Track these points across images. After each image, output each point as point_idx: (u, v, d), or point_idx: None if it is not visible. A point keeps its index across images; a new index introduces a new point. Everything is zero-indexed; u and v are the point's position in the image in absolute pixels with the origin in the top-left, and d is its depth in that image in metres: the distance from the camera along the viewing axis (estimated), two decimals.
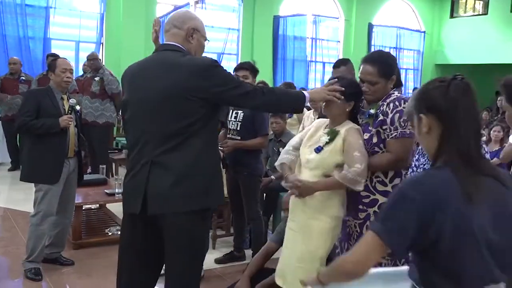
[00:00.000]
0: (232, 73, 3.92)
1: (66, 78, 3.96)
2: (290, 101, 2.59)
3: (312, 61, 12.57)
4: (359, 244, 1.52)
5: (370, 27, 13.34)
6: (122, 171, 7.36)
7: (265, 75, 10.45)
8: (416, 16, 14.42)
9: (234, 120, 4.22)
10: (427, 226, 1.45)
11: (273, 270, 3.20)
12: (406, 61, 14.13)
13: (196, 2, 10.99)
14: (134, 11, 9.95)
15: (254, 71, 4.25)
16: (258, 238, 4.27)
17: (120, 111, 2.55)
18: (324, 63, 12.83)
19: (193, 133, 2.33)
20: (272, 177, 5.14)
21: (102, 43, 9.88)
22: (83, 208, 5.05)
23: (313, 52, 12.61)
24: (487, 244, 1.48)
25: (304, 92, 2.63)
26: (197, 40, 2.53)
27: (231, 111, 4.30)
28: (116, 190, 4.87)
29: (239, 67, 4.28)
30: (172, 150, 2.33)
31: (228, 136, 4.27)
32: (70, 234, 4.60)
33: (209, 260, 4.46)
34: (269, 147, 5.42)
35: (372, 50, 13.43)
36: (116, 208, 5.35)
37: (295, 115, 6.20)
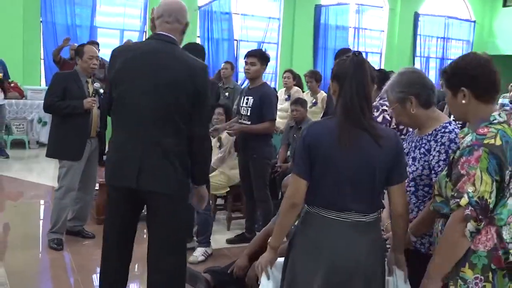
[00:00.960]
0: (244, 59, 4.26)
1: (92, 65, 4.30)
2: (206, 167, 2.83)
3: (354, 51, 12.46)
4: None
5: (416, 16, 13.06)
6: None
7: (305, 65, 10.52)
8: (466, 5, 13.97)
9: (245, 105, 4.38)
10: (309, 156, 2.04)
11: None
12: (454, 52, 13.72)
13: None
14: None
15: (263, 58, 4.36)
16: (267, 219, 4.42)
17: (109, 89, 2.71)
18: (367, 53, 12.67)
19: (184, 123, 2.55)
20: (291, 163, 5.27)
21: (145, 31, 10.24)
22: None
23: (356, 41, 12.51)
24: (349, 180, 2.02)
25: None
26: (184, 34, 2.69)
27: (243, 97, 4.45)
28: None
29: (248, 54, 4.42)
30: (169, 135, 2.52)
31: (239, 121, 4.43)
32: (94, 209, 4.92)
33: (221, 240, 4.67)
34: (290, 134, 5.55)
35: (418, 40, 13.17)
36: None
37: (319, 104, 6.27)
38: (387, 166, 2.04)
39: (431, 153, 2.28)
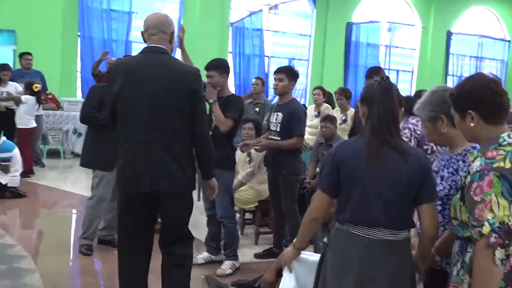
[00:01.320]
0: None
1: None
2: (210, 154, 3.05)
3: (386, 69, 12.42)
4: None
5: (449, 34, 12.97)
6: None
7: (335, 82, 10.55)
8: (501, 24, 13.79)
9: (275, 121, 4.42)
10: (337, 173, 2.19)
11: None
12: (487, 71, 13.52)
13: (270, 8, 11.32)
14: (210, 16, 10.44)
15: (291, 74, 4.39)
16: (294, 235, 4.43)
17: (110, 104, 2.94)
18: (398, 71, 12.66)
19: (187, 125, 2.80)
20: None
21: (177, 47, 10.44)
22: None
23: (387, 59, 12.49)
24: (377, 196, 2.12)
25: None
26: (173, 43, 2.95)
27: (273, 113, 4.50)
28: None
29: (276, 70, 4.47)
30: (175, 141, 2.77)
31: (269, 137, 4.48)
32: None
33: (249, 254, 4.70)
34: (319, 150, 5.57)
35: (450, 59, 13.07)
36: None
37: (349, 121, 6.28)
38: (415, 183, 2.13)
39: (458, 173, 2.27)
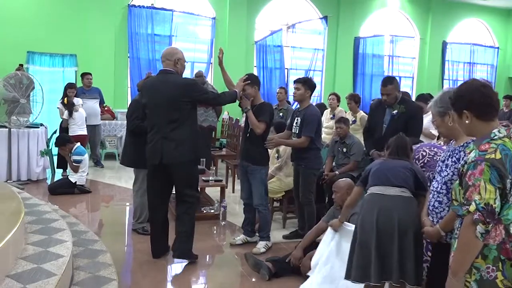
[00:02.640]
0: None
1: None
2: (230, 98, 4.03)
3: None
4: None
5: (444, 44, 12.84)
6: (222, 165, 7.98)
7: (346, 88, 10.59)
8: (490, 33, 13.59)
9: (295, 125, 4.52)
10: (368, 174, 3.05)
11: None
12: (479, 75, 13.31)
13: (288, 28, 11.40)
14: (237, 36, 10.59)
15: (306, 84, 4.45)
16: (310, 218, 4.55)
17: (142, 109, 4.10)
18: (400, 77, 12.57)
19: (183, 120, 3.67)
20: (337, 172, 5.35)
21: (211, 63, 10.63)
22: None
23: (390, 68, 12.43)
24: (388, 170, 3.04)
25: (235, 90, 4.10)
26: (181, 64, 3.79)
27: (295, 118, 4.60)
28: (210, 178, 5.40)
29: (294, 80, 4.56)
30: (173, 129, 3.66)
31: (292, 138, 4.58)
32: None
33: (278, 235, 4.82)
34: (335, 147, 5.63)
35: (446, 65, 12.93)
36: (212, 193, 5.91)
37: (358, 122, 6.32)
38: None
39: (460, 161, 2.34)
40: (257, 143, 4.26)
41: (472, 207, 1.86)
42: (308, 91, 4.48)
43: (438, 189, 2.48)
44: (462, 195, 1.98)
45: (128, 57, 9.93)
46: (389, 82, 4.37)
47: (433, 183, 2.59)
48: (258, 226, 4.54)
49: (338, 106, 6.91)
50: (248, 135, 4.34)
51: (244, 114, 4.43)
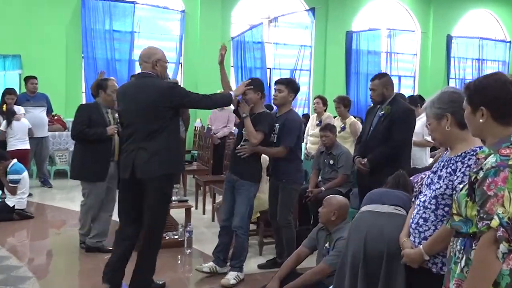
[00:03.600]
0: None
1: (115, 98, 4.75)
2: (222, 100, 4.10)
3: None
4: None
5: (449, 38, 12.96)
6: (192, 181, 7.84)
7: (337, 90, 10.54)
8: (500, 25, 13.77)
9: (273, 133, 4.42)
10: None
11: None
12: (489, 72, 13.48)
13: (270, 21, 11.39)
14: (211, 31, 10.53)
15: (290, 85, 4.42)
16: (289, 244, 4.43)
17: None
18: (399, 77, 12.65)
19: (162, 129, 3.66)
20: (322, 188, 5.27)
21: (181, 63, 10.54)
22: None
23: (388, 66, 12.50)
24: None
25: (230, 92, 4.11)
26: (160, 66, 3.78)
27: (276, 125, 4.51)
28: (174, 198, 5.24)
29: (276, 81, 4.51)
30: (151, 139, 3.66)
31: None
32: None
33: (253, 265, 4.67)
34: (320, 159, 5.56)
35: (452, 62, 13.05)
36: (177, 215, 5.76)
37: (347, 129, 6.25)
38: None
39: (456, 173, 2.30)
40: (251, 156, 4.29)
41: (494, 222, 1.78)
42: (291, 94, 4.45)
43: (426, 203, 2.42)
44: (473, 208, 1.92)
45: (83, 57, 9.80)
46: (377, 77, 4.52)
47: (419, 197, 2.54)
48: (232, 253, 4.41)
49: (325, 111, 6.83)
50: (241, 145, 4.35)
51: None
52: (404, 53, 12.76)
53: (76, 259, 4.88)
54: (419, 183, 3.08)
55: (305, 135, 6.98)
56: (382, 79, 4.44)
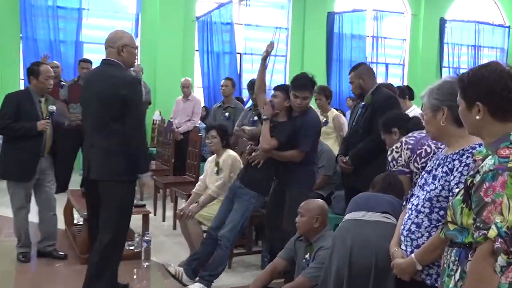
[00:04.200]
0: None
1: (49, 85, 4.86)
2: (143, 148, 3.94)
3: (373, 63, 12.54)
4: None
5: (443, 22, 13.16)
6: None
7: (317, 79, 10.51)
8: (499, 9, 14.05)
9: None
10: None
11: None
12: (486, 61, 13.64)
13: (241, 0, 11.36)
14: (172, 10, 10.44)
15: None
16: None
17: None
18: (387, 64, 12.80)
19: (119, 125, 3.68)
20: None
21: (137, 46, 10.42)
22: None
23: (374, 52, 12.62)
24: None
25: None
26: (127, 52, 3.84)
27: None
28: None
29: (298, 87, 4.52)
30: (105, 136, 3.72)
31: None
32: (77, 247, 5.00)
33: (225, 280, 4.64)
34: None
35: (445, 49, 13.26)
36: (133, 222, 5.70)
37: (330, 123, 6.31)
38: None
39: (453, 173, 2.33)
40: (263, 165, 4.47)
41: (492, 232, 1.78)
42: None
43: (419, 207, 2.46)
44: (469, 216, 1.94)
45: (21, 37, 9.59)
46: (352, 68, 4.79)
47: (411, 199, 2.57)
48: (207, 264, 4.45)
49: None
50: (255, 152, 4.53)
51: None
52: (392, 38, 12.89)
53: (13, 271, 4.79)
54: (424, 158, 3.13)
55: None
56: (356, 70, 4.66)
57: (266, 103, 4.53)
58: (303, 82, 4.49)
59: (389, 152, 3.49)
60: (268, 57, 4.75)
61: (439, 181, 2.38)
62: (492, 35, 13.90)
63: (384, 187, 3.25)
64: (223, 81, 7.32)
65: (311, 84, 4.54)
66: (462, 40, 13.49)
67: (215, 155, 5.23)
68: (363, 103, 4.56)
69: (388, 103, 4.45)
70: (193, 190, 5.29)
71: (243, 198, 4.46)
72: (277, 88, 4.64)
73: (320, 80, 10.59)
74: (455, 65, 13.46)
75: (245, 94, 10.91)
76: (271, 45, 4.67)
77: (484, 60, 13.65)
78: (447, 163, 2.39)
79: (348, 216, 3.14)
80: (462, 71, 13.18)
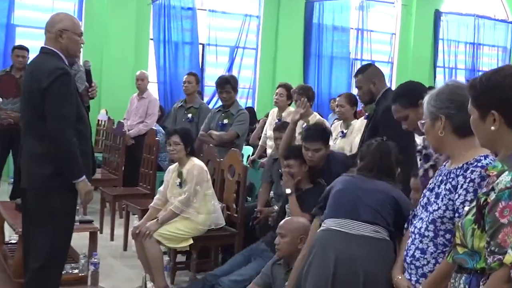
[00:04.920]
0: None
1: None
2: (72, 160, 3.72)
3: (357, 59, 12.75)
4: None
5: (437, 15, 13.43)
6: (95, 195, 7.69)
7: (292, 76, 10.73)
8: (502, 2, 14.32)
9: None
10: None
11: None
12: (487, 61, 14.04)
13: None
14: None
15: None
16: None
17: None
18: (373, 62, 12.96)
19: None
20: (275, 207, 5.35)
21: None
22: None
23: (359, 47, 12.82)
24: None
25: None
26: (68, 38, 3.77)
27: None
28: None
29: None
30: (33, 138, 3.71)
31: None
32: (9, 271, 4.95)
33: None
34: (273, 169, 5.64)
35: (440, 46, 13.48)
36: (77, 241, 5.69)
37: None
38: None
39: (457, 191, 2.41)
40: None
41: (508, 257, 1.84)
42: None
43: (422, 230, 2.53)
44: (481, 238, 1.99)
45: None
46: (360, 70, 4.62)
47: (414, 222, 2.64)
48: None
49: (289, 105, 6.97)
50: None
51: None
52: (380, 32, 13.11)
53: None
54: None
55: (262, 135, 7.11)
56: (365, 73, 4.50)
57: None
58: (313, 133, 4.59)
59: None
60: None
61: (442, 200, 2.46)
62: (494, 31, 14.17)
63: (370, 164, 3.25)
64: (186, 76, 7.29)
65: (324, 135, 4.62)
66: (459, 36, 13.74)
67: (176, 163, 5.25)
68: (367, 114, 4.55)
69: (389, 116, 4.10)
70: (151, 204, 5.26)
71: (264, 257, 4.48)
72: (288, 156, 4.66)
73: (296, 78, 10.86)
74: (451, 65, 13.71)
75: (208, 91, 11.00)
76: (304, 103, 4.83)
77: (484, 60, 13.98)
78: (450, 180, 2.46)
79: (330, 223, 3.08)
80: (459, 72, 13.62)
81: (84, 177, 3.74)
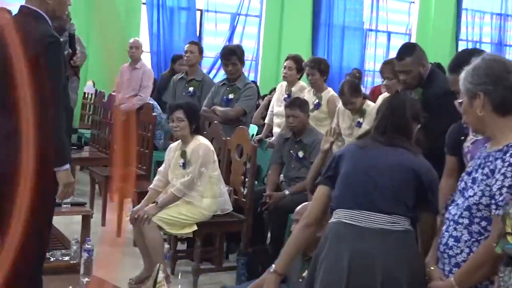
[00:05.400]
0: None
1: None
2: (58, 130, 3.67)
3: (372, 30, 12.78)
4: None
5: None
6: (82, 176, 7.76)
7: (300, 48, 10.70)
8: None
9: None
10: None
11: None
12: None
13: None
14: None
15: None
16: None
17: None
18: (389, 33, 13.00)
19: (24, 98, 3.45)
20: (286, 192, 5.40)
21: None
22: None
23: (374, 16, 12.86)
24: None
25: None
26: (55, 0, 3.62)
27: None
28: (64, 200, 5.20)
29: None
30: (5, 115, 3.58)
31: None
32: None
33: None
34: (284, 150, 5.68)
35: (463, 17, 13.47)
36: (67, 227, 5.74)
37: (324, 107, 6.43)
38: None
39: (494, 175, 2.44)
40: None
41: None
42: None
43: (456, 217, 2.58)
44: None
45: None
46: (405, 53, 4.46)
47: (449, 208, 2.69)
48: None
49: (299, 79, 6.99)
50: None
51: None
52: (397, 0, 13.13)
53: None
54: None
55: (268, 112, 7.13)
56: (415, 54, 4.39)
57: None
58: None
59: None
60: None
61: (478, 186, 2.49)
62: None
63: (386, 120, 3.11)
64: (187, 45, 7.23)
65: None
66: (485, 6, 13.72)
67: (179, 141, 5.26)
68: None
69: (444, 104, 4.02)
70: (151, 186, 5.28)
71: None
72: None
73: (304, 50, 10.83)
74: (476, 38, 13.72)
75: (206, 63, 10.99)
76: (333, 131, 4.90)
77: (510, 33, 13.96)
78: (488, 163, 2.50)
79: (342, 216, 2.99)
80: (483, 46, 13.64)
81: (68, 165, 3.72)
